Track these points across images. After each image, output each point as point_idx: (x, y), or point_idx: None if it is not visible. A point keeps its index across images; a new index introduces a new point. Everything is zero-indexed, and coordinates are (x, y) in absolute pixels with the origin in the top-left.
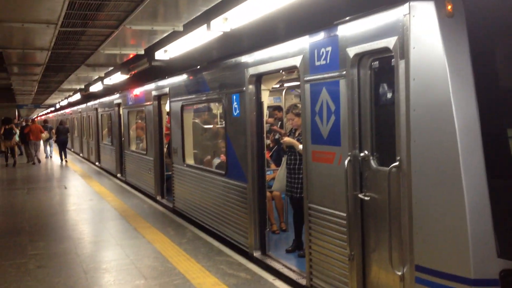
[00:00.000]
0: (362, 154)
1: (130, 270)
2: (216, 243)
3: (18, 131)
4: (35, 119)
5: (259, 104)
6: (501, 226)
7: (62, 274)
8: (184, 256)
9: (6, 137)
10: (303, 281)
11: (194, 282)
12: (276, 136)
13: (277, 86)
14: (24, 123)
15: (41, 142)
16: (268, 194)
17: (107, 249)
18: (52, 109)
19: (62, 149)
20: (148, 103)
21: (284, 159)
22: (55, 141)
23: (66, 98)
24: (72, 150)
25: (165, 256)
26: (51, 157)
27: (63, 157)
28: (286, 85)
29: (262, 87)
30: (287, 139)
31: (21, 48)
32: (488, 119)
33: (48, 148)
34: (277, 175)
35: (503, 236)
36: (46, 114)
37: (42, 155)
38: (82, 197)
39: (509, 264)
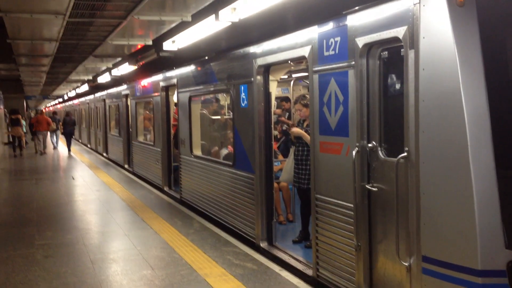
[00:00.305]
0: (370, 145)
1: (137, 260)
2: (223, 234)
3: (24, 122)
4: (43, 110)
5: (267, 95)
6: (510, 217)
7: (70, 264)
8: (191, 246)
9: (13, 125)
10: (309, 272)
11: (201, 273)
12: (284, 127)
13: (285, 77)
14: (32, 114)
15: (48, 133)
16: (275, 185)
17: (114, 239)
18: (60, 100)
19: (68, 140)
20: (156, 94)
21: (292, 150)
22: (62, 133)
23: (74, 89)
24: (80, 141)
25: (172, 246)
26: (56, 147)
27: (68, 148)
28: (294, 75)
29: (270, 77)
30: (295, 129)
31: (29, 39)
32: (498, 109)
33: (54, 139)
34: (285, 166)
35: (511, 227)
36: (54, 105)
37: (49, 146)
38: (89, 188)
39: None
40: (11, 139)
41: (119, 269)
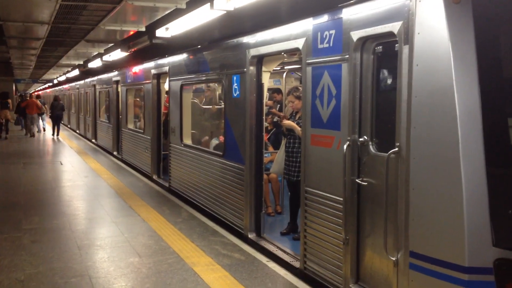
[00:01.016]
0: (361, 139)
1: (124, 247)
2: (211, 224)
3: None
4: (32, 94)
5: (260, 86)
6: (498, 215)
7: (56, 249)
8: (178, 235)
9: (2, 108)
10: (296, 264)
11: (188, 262)
12: (275, 119)
13: (278, 68)
14: (20, 98)
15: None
16: (264, 176)
17: (102, 226)
18: (50, 84)
19: (56, 123)
20: (147, 81)
21: (283, 142)
22: (50, 116)
23: (64, 73)
24: (68, 126)
25: (160, 234)
26: (44, 130)
27: (56, 132)
28: (286, 67)
29: (263, 68)
30: (287, 122)
31: (21, 21)
32: (490, 107)
33: (40, 122)
34: (276, 158)
35: (499, 225)
36: (43, 89)
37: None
38: (77, 174)
39: (503, 253)
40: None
41: (106, 255)
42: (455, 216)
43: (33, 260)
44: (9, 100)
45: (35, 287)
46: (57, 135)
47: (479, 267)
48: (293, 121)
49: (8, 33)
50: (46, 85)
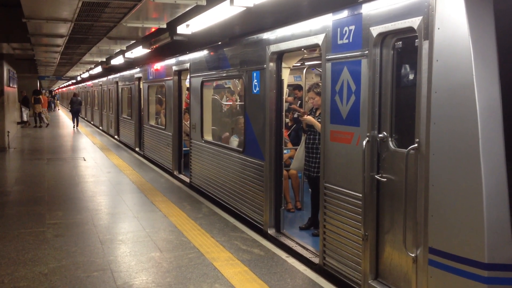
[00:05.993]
0: (380, 135)
1: (145, 242)
2: (231, 219)
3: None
4: (43, 92)
5: (279, 82)
6: None
7: (79, 243)
8: (199, 230)
9: (35, 103)
10: (316, 260)
11: (208, 257)
12: (296, 115)
13: (298, 64)
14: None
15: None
16: (284, 172)
17: (124, 221)
18: (73, 81)
19: (75, 117)
20: (169, 78)
21: (303, 138)
22: (70, 110)
23: (87, 70)
24: (92, 122)
25: (181, 230)
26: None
27: (75, 124)
28: (307, 63)
29: (283, 65)
30: (307, 117)
31: (45, 18)
32: (511, 103)
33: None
34: (296, 154)
35: None
36: (67, 86)
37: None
38: (100, 169)
39: None
40: (24, 119)
41: (128, 250)
42: (475, 212)
43: (57, 254)
44: (41, 97)
45: (58, 280)
46: (77, 126)
47: (499, 263)
48: (313, 117)
49: (32, 31)
50: (70, 82)
